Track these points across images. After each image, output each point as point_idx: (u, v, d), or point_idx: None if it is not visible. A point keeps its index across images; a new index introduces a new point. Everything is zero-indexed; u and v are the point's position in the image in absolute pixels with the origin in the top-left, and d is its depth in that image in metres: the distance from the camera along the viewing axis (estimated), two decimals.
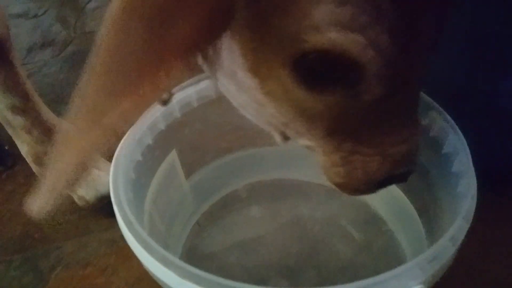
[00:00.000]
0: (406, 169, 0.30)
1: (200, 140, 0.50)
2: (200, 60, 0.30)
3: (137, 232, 0.31)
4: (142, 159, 0.40)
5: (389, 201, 0.49)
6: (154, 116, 0.43)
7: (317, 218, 0.53)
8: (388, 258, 0.48)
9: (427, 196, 0.42)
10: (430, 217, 0.42)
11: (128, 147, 0.39)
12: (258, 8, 0.23)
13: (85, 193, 0.55)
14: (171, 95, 0.42)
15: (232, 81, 0.28)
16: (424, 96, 0.40)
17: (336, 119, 0.26)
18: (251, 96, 0.28)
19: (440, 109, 0.39)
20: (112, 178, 0.35)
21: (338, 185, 0.31)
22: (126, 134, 0.40)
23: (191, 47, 0.23)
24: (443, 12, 0.24)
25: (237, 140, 0.54)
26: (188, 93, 0.45)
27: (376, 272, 0.46)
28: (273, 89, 0.26)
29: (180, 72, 0.23)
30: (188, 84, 0.45)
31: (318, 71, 0.24)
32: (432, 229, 0.41)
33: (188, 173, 0.51)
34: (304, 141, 0.30)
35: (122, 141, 0.39)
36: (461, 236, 0.29)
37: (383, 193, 0.50)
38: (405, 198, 0.47)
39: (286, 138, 0.31)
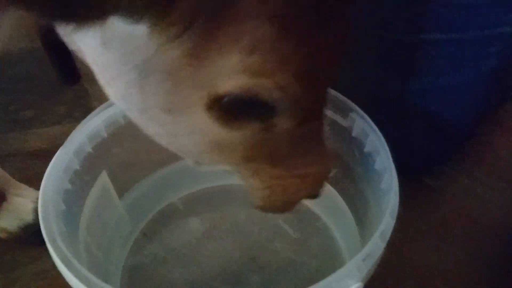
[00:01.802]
0: (321, 189, 0.34)
1: (130, 157, 0.48)
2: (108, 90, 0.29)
3: (75, 268, 0.30)
4: (71, 187, 0.39)
5: (321, 197, 0.52)
6: (79, 139, 0.41)
7: (255, 221, 0.54)
8: (326, 252, 0.50)
9: (354, 192, 0.46)
10: (359, 211, 0.45)
11: (54, 176, 0.37)
12: (175, 54, 0.23)
13: (7, 224, 0.51)
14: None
15: (143, 115, 0.28)
16: (345, 100, 0.43)
17: (252, 148, 0.28)
18: (164, 129, 0.28)
19: (360, 111, 0.42)
20: (41, 213, 0.33)
21: (260, 208, 0.33)
22: (51, 162, 0.38)
23: None
24: (341, 49, 0.27)
25: (168, 153, 0.54)
26: (114, 111, 0.44)
27: (317, 269, 0.50)
28: (188, 124, 0.27)
29: None
30: (113, 102, 0.44)
31: (233, 109, 0.26)
32: (362, 222, 0.44)
33: (122, 193, 0.49)
34: (220, 167, 0.31)
35: (47, 170, 0.37)
36: (389, 232, 0.32)
37: None
38: (336, 193, 0.50)
39: (198, 163, 0.32)
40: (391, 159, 0.37)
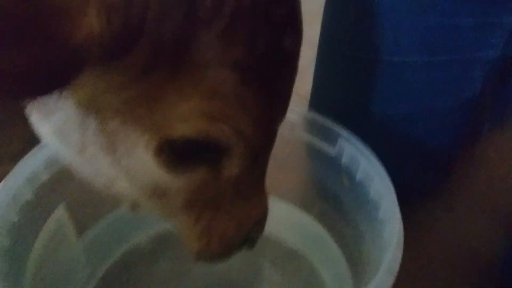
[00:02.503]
0: (257, 234, 0.33)
1: (92, 190, 0.43)
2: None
3: None
4: (18, 220, 0.33)
5: (304, 233, 0.48)
6: (34, 165, 0.35)
7: (233, 263, 0.49)
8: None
9: (344, 224, 0.42)
10: (349, 245, 0.42)
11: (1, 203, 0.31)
12: (130, 91, 0.22)
13: None
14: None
15: (80, 155, 0.26)
16: (331, 125, 0.40)
17: (195, 193, 0.28)
18: (102, 171, 0.27)
19: (349, 135, 0.39)
20: None
21: (197, 253, 0.32)
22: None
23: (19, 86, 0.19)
24: (291, 90, 0.27)
25: None
26: None
27: None
28: (130, 167, 0.26)
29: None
30: None
31: (181, 154, 0.25)
32: (353, 258, 0.40)
33: (80, 231, 0.43)
34: (158, 213, 0.30)
35: None
36: (397, 264, 0.28)
37: (296, 227, 0.50)
38: (321, 227, 0.46)
39: (135, 207, 0.31)
40: (390, 184, 0.34)
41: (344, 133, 0.40)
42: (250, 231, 0.32)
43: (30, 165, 0.35)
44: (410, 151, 0.50)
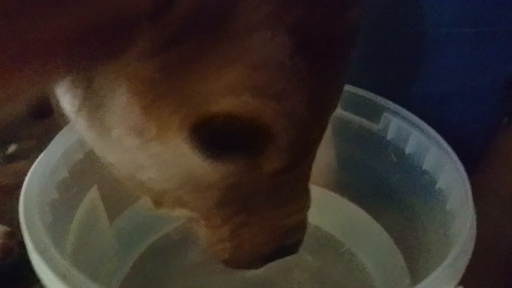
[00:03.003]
0: (296, 238, 0.29)
1: None
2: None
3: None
4: (57, 197, 0.30)
5: (343, 219, 0.46)
6: (69, 141, 0.33)
7: None
8: (353, 282, 0.43)
9: (391, 209, 0.40)
10: (400, 232, 0.39)
11: (39, 180, 0.29)
12: (168, 55, 0.19)
13: None
14: None
15: (101, 137, 0.23)
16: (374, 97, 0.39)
17: (229, 190, 0.24)
18: (127, 157, 0.23)
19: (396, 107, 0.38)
20: (25, 222, 0.25)
21: (224, 261, 0.29)
22: (34, 165, 0.30)
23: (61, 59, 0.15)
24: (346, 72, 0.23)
25: None
26: None
27: None
28: (160, 152, 0.22)
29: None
30: None
31: (220, 138, 0.21)
32: (406, 241, 0.38)
33: (111, 217, 0.41)
34: (183, 212, 0.26)
35: (30, 172, 0.29)
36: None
37: (333, 211, 0.47)
38: (361, 211, 0.44)
39: (159, 204, 0.27)
40: (462, 171, 0.31)
41: (390, 105, 0.38)
42: (286, 238, 0.28)
43: (64, 142, 0.33)
44: (446, 136, 0.48)
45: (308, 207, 0.28)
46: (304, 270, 0.44)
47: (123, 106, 0.21)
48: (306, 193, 0.27)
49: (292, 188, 0.26)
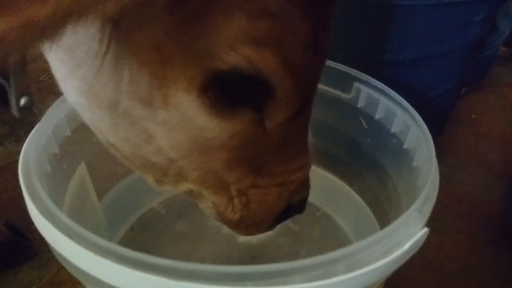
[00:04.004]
0: (302, 196, 0.30)
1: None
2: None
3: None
4: (51, 171, 0.32)
5: (317, 184, 0.49)
6: (57, 117, 0.34)
7: None
8: (331, 240, 0.47)
9: (362, 171, 0.43)
10: (369, 189, 0.43)
11: (35, 151, 0.30)
12: (174, 15, 0.20)
13: None
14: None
15: (112, 112, 0.23)
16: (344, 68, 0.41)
17: (236, 150, 0.25)
18: (136, 129, 0.24)
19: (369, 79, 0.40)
20: (27, 191, 0.26)
21: (234, 224, 0.29)
22: (28, 139, 0.31)
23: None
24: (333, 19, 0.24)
25: None
26: None
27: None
28: (170, 118, 0.23)
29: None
30: None
31: (226, 96, 0.22)
32: (376, 194, 0.41)
33: (99, 194, 0.42)
34: (186, 186, 0.27)
35: (26, 143, 0.30)
36: (437, 177, 0.29)
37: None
38: (335, 177, 0.47)
39: (160, 182, 0.27)
40: (427, 131, 0.34)
41: (360, 75, 0.41)
42: (296, 194, 0.29)
43: (53, 119, 0.34)
44: (415, 100, 0.52)
45: (310, 164, 0.29)
46: (285, 235, 0.47)
47: (132, 76, 0.21)
48: (306, 149, 0.28)
49: (294, 143, 0.27)
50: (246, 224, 0.29)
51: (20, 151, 0.30)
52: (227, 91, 0.22)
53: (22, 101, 0.28)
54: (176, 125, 0.23)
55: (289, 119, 0.24)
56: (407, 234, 0.24)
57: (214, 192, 0.27)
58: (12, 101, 0.27)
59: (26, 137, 0.36)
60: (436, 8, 0.44)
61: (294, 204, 0.29)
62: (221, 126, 0.23)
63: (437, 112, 0.55)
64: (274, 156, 0.26)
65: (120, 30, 0.20)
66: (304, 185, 0.29)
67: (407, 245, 0.23)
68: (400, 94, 0.49)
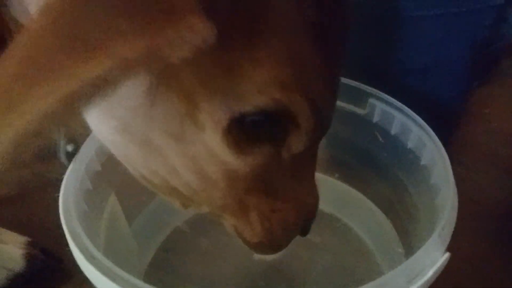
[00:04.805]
0: (313, 216, 0.32)
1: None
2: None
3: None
4: (87, 208, 0.34)
5: (335, 196, 0.50)
6: (89, 156, 0.36)
7: None
8: (351, 252, 0.48)
9: (379, 184, 0.44)
10: (389, 203, 0.44)
11: (73, 192, 0.32)
12: (205, 69, 0.22)
13: None
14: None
15: (142, 148, 0.25)
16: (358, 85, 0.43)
17: (256, 179, 0.27)
18: (165, 162, 0.26)
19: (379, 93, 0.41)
20: (69, 235, 0.28)
21: (253, 245, 0.31)
22: (65, 180, 0.33)
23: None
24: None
25: None
26: None
27: (344, 267, 0.47)
28: (197, 154, 0.25)
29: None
30: None
31: (251, 131, 0.24)
32: (395, 210, 0.43)
33: (129, 220, 0.44)
34: (210, 208, 0.29)
35: (63, 186, 0.32)
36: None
37: (327, 190, 0.51)
38: (353, 189, 0.49)
39: (186, 205, 0.30)
40: (442, 149, 0.35)
41: (374, 92, 0.42)
42: (309, 217, 0.31)
43: (86, 156, 0.36)
44: (426, 106, 0.52)
45: (317, 191, 0.31)
46: (306, 248, 0.48)
47: (166, 116, 0.23)
48: (314, 175, 0.30)
49: (307, 168, 0.29)
50: (265, 245, 0.31)
51: (46, 173, 0.31)
52: (250, 130, 0.24)
53: (69, 148, 0.29)
54: (203, 160, 0.25)
55: (305, 150, 0.26)
56: (430, 261, 0.25)
57: (235, 216, 0.29)
58: (60, 149, 0.29)
59: (50, 158, 0.38)
60: (444, 17, 0.44)
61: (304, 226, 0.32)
62: (244, 161, 0.25)
63: (449, 113, 0.56)
64: (289, 182, 0.28)
65: (160, 76, 0.22)
66: (315, 206, 0.32)
67: (430, 272, 0.25)
68: (411, 101, 0.50)
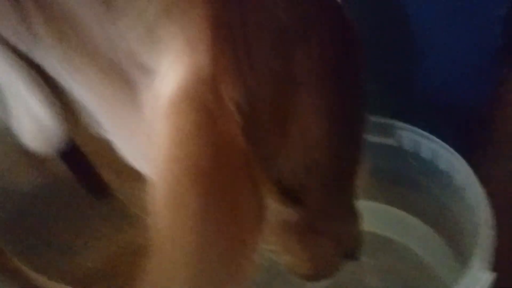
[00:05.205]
0: (358, 246, 0.36)
1: None
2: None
3: None
4: None
5: (386, 220, 0.55)
6: None
7: None
8: (409, 268, 0.52)
9: (424, 199, 0.48)
10: (434, 220, 0.48)
11: None
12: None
13: None
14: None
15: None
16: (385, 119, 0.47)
17: (303, 222, 0.32)
18: None
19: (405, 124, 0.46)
20: None
21: (305, 277, 0.36)
22: None
23: None
24: None
25: None
26: None
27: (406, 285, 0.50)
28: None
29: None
30: None
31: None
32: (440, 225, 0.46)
33: None
34: (268, 247, 0.34)
35: None
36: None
37: (378, 215, 0.56)
38: (401, 211, 0.53)
39: None
40: (471, 171, 0.39)
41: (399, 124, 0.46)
42: (355, 248, 0.36)
43: None
44: (455, 103, 0.53)
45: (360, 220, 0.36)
46: (368, 272, 0.52)
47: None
48: (356, 207, 0.35)
49: (345, 207, 0.34)
50: (311, 276, 0.36)
51: None
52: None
53: None
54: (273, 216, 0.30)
55: None
56: (477, 284, 0.30)
57: (286, 252, 0.34)
58: None
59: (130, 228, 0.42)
60: (456, 26, 0.47)
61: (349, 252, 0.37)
62: (292, 211, 0.31)
63: (478, 108, 0.56)
64: (330, 220, 0.33)
65: None
66: (359, 237, 0.36)
67: None
68: (438, 114, 0.53)
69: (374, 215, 0.54)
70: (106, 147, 0.30)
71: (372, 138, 0.48)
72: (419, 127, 0.45)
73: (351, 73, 0.29)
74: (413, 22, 0.49)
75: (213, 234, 0.22)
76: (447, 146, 0.42)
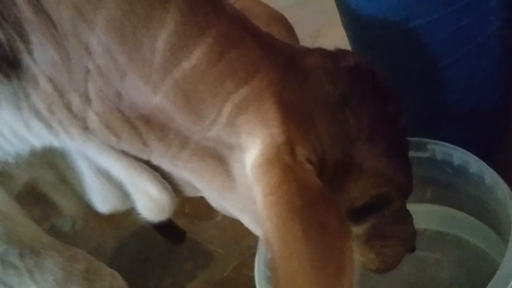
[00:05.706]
0: (415, 240, 0.46)
1: None
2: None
3: None
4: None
5: (438, 217, 0.63)
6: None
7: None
8: (472, 260, 0.59)
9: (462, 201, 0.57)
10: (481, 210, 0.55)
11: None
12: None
13: None
14: None
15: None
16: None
17: (370, 233, 0.41)
18: None
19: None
20: None
21: (374, 270, 0.45)
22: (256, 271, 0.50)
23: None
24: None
25: None
26: None
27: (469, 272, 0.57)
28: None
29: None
30: None
31: (359, 213, 0.40)
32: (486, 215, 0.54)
33: None
34: None
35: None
36: None
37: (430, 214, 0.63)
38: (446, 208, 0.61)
39: None
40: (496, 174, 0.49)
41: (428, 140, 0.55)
42: (412, 244, 0.46)
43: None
44: (472, 97, 0.59)
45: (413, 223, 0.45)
46: (431, 265, 0.60)
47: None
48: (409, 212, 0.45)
49: (403, 211, 0.44)
50: (381, 269, 0.45)
51: None
52: (359, 212, 0.40)
53: None
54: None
55: (402, 203, 0.42)
56: None
57: (360, 254, 0.44)
58: None
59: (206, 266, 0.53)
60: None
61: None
62: (362, 228, 0.41)
63: (501, 117, 0.63)
64: (393, 226, 0.43)
65: None
66: (416, 235, 0.46)
67: None
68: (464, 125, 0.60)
69: (428, 215, 0.63)
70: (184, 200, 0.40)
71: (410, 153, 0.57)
72: (445, 141, 0.54)
73: (391, 121, 0.39)
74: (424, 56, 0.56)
75: (319, 256, 0.30)
76: (471, 154, 0.51)
